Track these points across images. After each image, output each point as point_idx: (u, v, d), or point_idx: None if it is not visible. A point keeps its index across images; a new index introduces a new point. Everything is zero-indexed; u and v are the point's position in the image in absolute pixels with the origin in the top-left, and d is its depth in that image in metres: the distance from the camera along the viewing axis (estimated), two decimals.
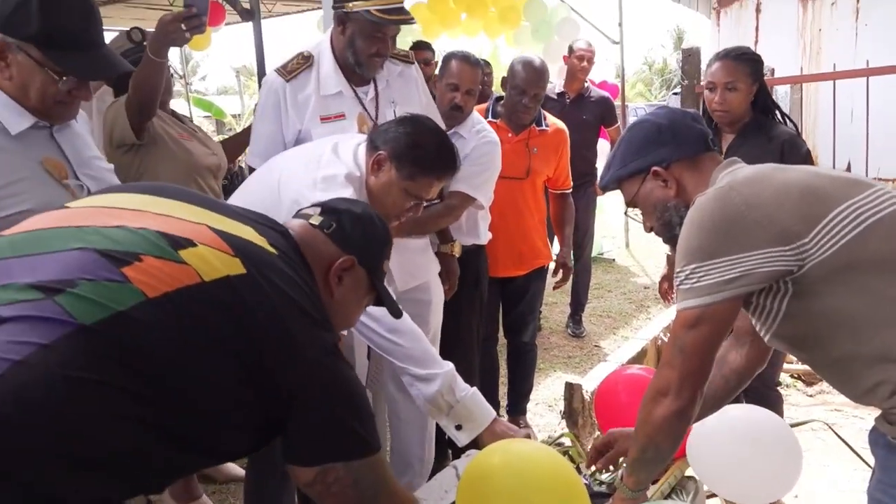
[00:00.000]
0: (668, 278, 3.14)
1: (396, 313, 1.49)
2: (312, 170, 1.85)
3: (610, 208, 7.33)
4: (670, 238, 1.52)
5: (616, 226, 7.61)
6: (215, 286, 1.03)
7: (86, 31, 1.51)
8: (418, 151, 1.83)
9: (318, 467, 1.13)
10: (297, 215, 1.38)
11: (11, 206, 1.48)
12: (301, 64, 2.20)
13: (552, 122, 3.13)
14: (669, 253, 3.14)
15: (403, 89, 2.32)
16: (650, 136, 1.52)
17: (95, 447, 0.91)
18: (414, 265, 2.39)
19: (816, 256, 1.24)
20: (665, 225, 1.53)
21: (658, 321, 4.33)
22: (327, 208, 1.36)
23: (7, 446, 0.85)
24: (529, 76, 2.89)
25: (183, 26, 2.05)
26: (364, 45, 2.14)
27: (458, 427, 1.72)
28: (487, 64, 4.55)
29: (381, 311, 1.68)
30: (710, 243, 1.28)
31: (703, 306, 1.29)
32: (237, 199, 1.99)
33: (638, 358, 3.75)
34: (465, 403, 1.73)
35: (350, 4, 2.10)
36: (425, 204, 2.02)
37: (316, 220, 1.32)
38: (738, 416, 1.90)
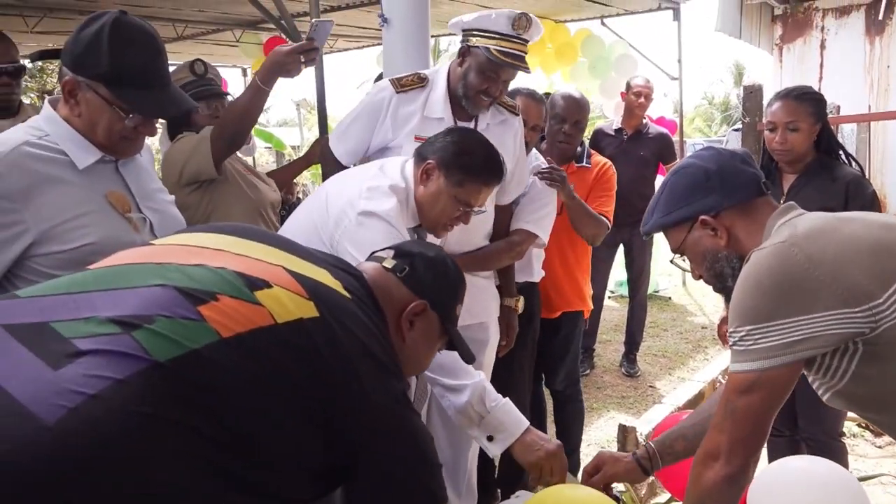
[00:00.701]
0: (727, 320, 3.02)
1: (469, 358, 1.47)
2: (358, 184, 1.88)
3: (666, 246, 7.20)
4: (722, 289, 1.45)
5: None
6: (288, 328, 1.03)
7: (153, 71, 1.56)
8: (466, 158, 1.86)
9: None
10: (371, 258, 1.39)
11: (77, 238, 1.52)
12: (415, 83, 2.25)
13: (598, 160, 3.07)
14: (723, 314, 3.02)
15: (501, 136, 2.32)
16: (697, 183, 1.42)
17: (161, 485, 0.91)
18: (475, 303, 2.36)
19: (893, 318, 1.15)
20: (717, 276, 1.45)
21: (717, 363, 4.22)
22: (401, 252, 1.36)
23: (77, 478, 0.86)
24: (569, 104, 2.90)
25: (301, 58, 2.10)
26: (476, 81, 2.19)
27: (490, 438, 1.70)
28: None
29: None
30: (769, 304, 1.20)
31: (758, 371, 1.21)
32: (290, 223, 2.03)
33: (695, 400, 3.64)
34: (496, 414, 1.70)
35: (474, 39, 2.17)
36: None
37: (389, 264, 1.32)
38: (801, 467, 1.81)
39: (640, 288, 4.81)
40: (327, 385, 1.04)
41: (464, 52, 2.21)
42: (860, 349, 1.19)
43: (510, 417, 1.71)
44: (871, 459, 3.40)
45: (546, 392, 3.17)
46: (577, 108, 2.89)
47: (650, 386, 4.50)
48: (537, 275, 2.78)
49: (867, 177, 2.67)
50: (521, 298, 2.59)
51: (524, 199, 2.57)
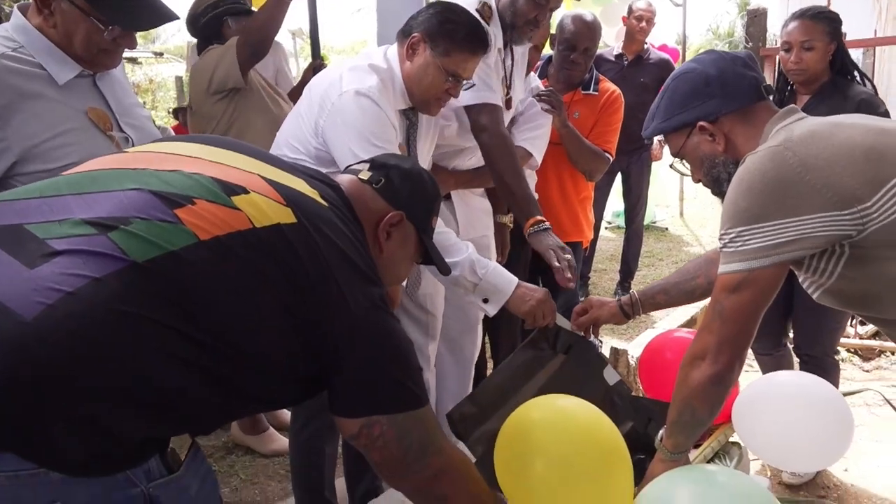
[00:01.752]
0: None
1: (445, 271, 1.49)
2: (339, 69, 1.89)
3: (665, 177, 7.17)
4: (719, 193, 1.46)
5: (671, 195, 7.43)
6: (266, 233, 1.03)
7: None
8: (450, 26, 1.84)
9: (363, 419, 1.13)
10: (347, 170, 1.39)
11: (61, 157, 1.50)
12: (489, 12, 2.18)
13: (606, 87, 2.96)
14: None
15: (522, 64, 2.35)
16: (697, 89, 1.43)
17: (141, 383, 0.93)
18: (474, 219, 2.42)
19: (879, 221, 1.17)
20: (713, 181, 1.47)
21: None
22: (376, 164, 1.36)
23: (54, 374, 0.87)
24: (579, 29, 2.76)
25: None
26: (525, 8, 2.14)
27: (485, 300, 1.80)
28: None
29: None
30: (760, 206, 1.22)
31: (745, 271, 1.23)
32: (282, 126, 2.01)
33: (688, 325, 3.69)
34: (488, 279, 1.79)
35: None
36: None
37: (365, 176, 1.32)
38: (787, 381, 1.86)
39: (636, 216, 4.81)
40: (305, 289, 1.05)
41: None
42: (846, 252, 1.21)
43: (501, 279, 1.81)
44: (858, 382, 3.47)
45: None
46: (588, 34, 2.76)
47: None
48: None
49: None
50: (512, 214, 2.58)
51: (521, 118, 2.54)
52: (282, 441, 2.82)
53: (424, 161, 2.06)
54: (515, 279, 1.84)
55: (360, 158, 1.53)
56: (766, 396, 1.77)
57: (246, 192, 1.06)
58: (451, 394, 2.43)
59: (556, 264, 1.94)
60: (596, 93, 2.91)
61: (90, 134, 1.57)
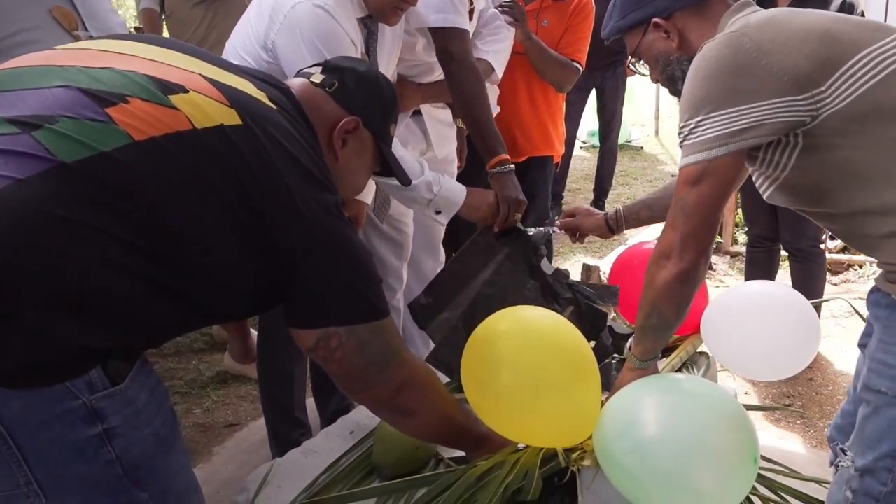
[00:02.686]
0: None
1: (405, 181, 1.43)
2: None
3: (640, 96, 7.07)
4: (674, 92, 1.44)
5: (647, 114, 7.35)
6: (208, 134, 0.96)
7: None
8: None
9: (319, 331, 1.08)
10: (298, 74, 1.30)
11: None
12: None
13: None
14: None
15: None
16: None
17: (73, 289, 0.87)
18: (446, 133, 2.34)
19: (833, 105, 1.15)
20: (668, 79, 1.45)
21: None
22: (329, 67, 1.27)
23: None
24: None
25: None
26: None
27: (438, 212, 1.82)
28: None
29: None
30: (717, 93, 1.19)
31: (705, 161, 1.20)
32: (235, 33, 1.87)
33: None
34: (442, 194, 1.80)
35: None
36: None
37: (317, 79, 1.24)
38: (756, 291, 1.84)
39: (610, 133, 4.73)
40: (252, 194, 0.99)
41: None
42: (800, 142, 1.20)
43: (452, 192, 1.82)
44: (826, 295, 3.51)
45: None
46: None
47: None
48: (493, 109, 2.66)
49: None
50: None
51: (484, 31, 2.43)
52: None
53: (387, 74, 1.95)
54: (464, 189, 1.83)
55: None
56: (735, 307, 1.75)
57: (185, 91, 0.98)
58: None
59: (498, 220, 1.87)
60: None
61: (55, 33, 1.50)
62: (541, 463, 1.35)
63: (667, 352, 1.86)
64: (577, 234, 2.04)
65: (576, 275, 3.63)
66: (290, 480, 1.63)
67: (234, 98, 1.02)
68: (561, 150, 2.98)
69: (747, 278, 3.00)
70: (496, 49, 2.40)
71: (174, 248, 0.94)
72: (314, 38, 1.62)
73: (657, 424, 1.22)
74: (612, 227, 1.94)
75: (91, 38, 1.54)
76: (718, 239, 4.22)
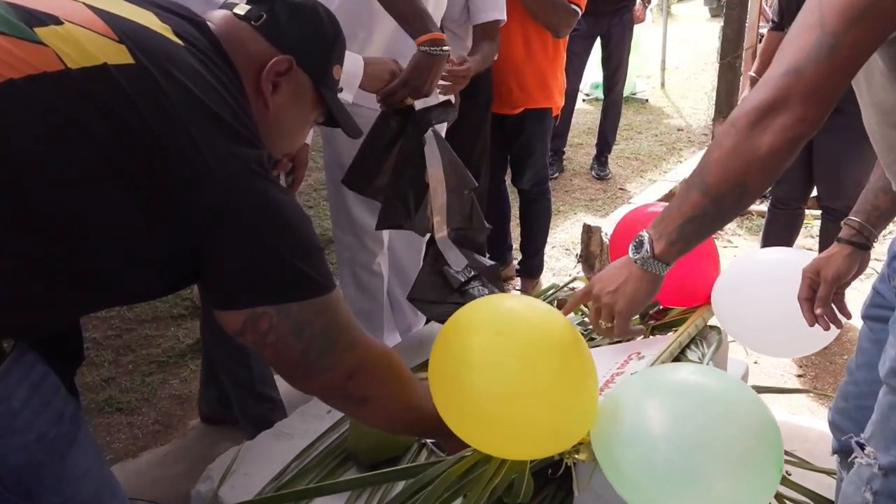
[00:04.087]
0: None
1: (355, 133, 1.23)
2: None
3: (647, 45, 6.78)
4: None
5: (653, 65, 7.06)
6: (85, 76, 0.78)
7: None
8: None
9: (245, 311, 0.90)
10: (223, 6, 1.07)
11: None
12: None
13: None
14: (753, 74, 2.82)
15: None
16: None
17: None
18: None
19: None
20: None
21: (690, 163, 4.05)
22: None
23: None
24: None
25: None
26: None
27: (340, 89, 1.60)
28: None
29: None
30: None
31: None
32: None
33: (665, 199, 3.50)
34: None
35: None
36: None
37: (241, 10, 1.03)
38: (773, 258, 1.68)
39: (615, 85, 4.49)
40: (149, 149, 0.80)
41: None
42: None
43: (349, 61, 1.54)
44: None
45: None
46: None
47: (620, 188, 4.35)
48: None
49: None
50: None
51: None
52: None
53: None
54: (359, 56, 1.62)
55: None
56: (751, 276, 1.60)
57: (58, 22, 0.79)
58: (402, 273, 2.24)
59: (385, 89, 1.64)
60: None
61: None
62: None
63: (674, 325, 1.71)
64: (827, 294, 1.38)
65: (578, 235, 3.48)
66: (259, 467, 1.49)
67: (125, 31, 0.83)
68: (560, 101, 2.76)
69: (765, 241, 2.83)
70: None
71: (47, 217, 0.77)
72: None
73: (663, 423, 1.05)
74: (864, 245, 1.38)
75: None
76: None
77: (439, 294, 1.81)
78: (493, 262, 1.86)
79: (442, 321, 1.69)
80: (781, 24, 2.66)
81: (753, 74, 2.86)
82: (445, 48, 1.64)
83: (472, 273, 1.83)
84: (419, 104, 1.73)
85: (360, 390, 1.03)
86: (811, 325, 1.33)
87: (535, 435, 1.06)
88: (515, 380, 1.02)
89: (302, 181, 1.89)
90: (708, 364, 1.49)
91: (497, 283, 1.90)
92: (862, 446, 1.07)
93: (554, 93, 2.68)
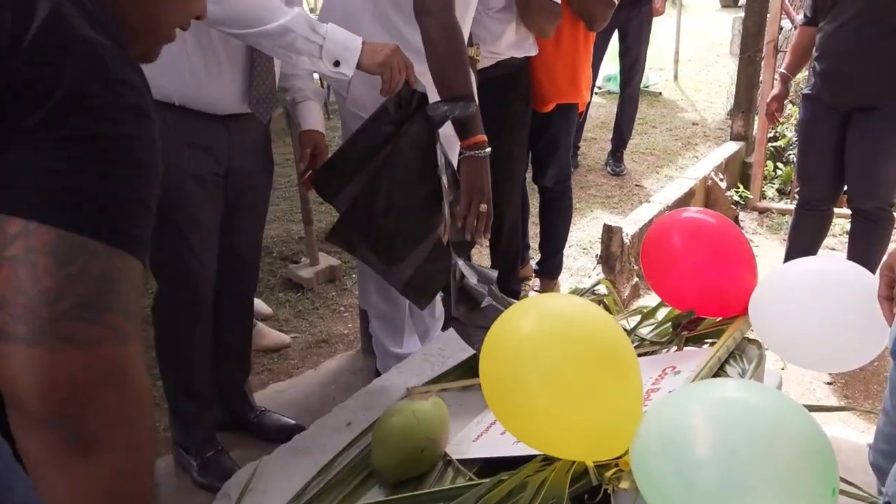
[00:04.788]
0: (779, 98, 2.82)
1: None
2: None
3: (660, 38, 6.67)
4: None
5: (666, 56, 6.95)
6: None
7: None
8: None
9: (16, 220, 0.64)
10: None
11: None
12: None
13: None
14: (783, 70, 2.75)
15: None
16: None
17: None
18: None
19: None
20: None
21: (707, 160, 3.96)
22: None
23: None
24: None
25: None
26: None
27: (337, 63, 1.56)
28: None
29: None
30: None
31: None
32: None
33: (684, 199, 3.42)
34: (332, 37, 1.54)
35: None
36: None
37: None
38: (814, 267, 1.60)
39: (632, 79, 4.40)
40: None
41: None
42: None
43: (344, 34, 1.56)
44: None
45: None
46: None
47: (637, 185, 4.27)
48: (534, 48, 2.39)
49: None
50: (478, 45, 2.20)
51: None
52: (275, 335, 2.59)
53: None
54: (358, 37, 1.57)
55: None
56: (791, 286, 1.52)
57: None
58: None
59: (460, 210, 1.65)
60: None
61: None
62: (570, 482, 1.14)
63: (708, 337, 1.64)
64: None
65: (595, 234, 3.41)
66: (278, 484, 1.43)
67: None
68: (587, 97, 2.70)
69: (792, 243, 2.76)
70: None
71: None
72: None
73: (708, 445, 0.99)
74: None
75: None
76: (746, 193, 3.95)
77: (472, 315, 1.66)
78: (495, 271, 1.77)
79: (472, 344, 1.63)
80: (815, 19, 2.57)
81: (784, 71, 2.78)
82: (488, 150, 1.66)
83: (486, 287, 1.71)
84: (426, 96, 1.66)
85: (96, 420, 0.65)
86: (891, 323, 1.27)
87: (584, 431, 1.10)
88: (565, 377, 1.08)
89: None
90: (750, 380, 1.42)
91: (500, 294, 1.75)
92: None
93: (582, 88, 2.61)
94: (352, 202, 1.69)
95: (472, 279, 1.68)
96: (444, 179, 1.66)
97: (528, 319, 1.15)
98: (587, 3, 2.42)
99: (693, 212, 1.76)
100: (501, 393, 1.16)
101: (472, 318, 1.63)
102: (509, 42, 2.30)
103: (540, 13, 2.31)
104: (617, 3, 2.50)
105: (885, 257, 1.33)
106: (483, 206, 1.64)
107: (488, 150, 1.66)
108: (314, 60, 1.53)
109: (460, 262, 1.68)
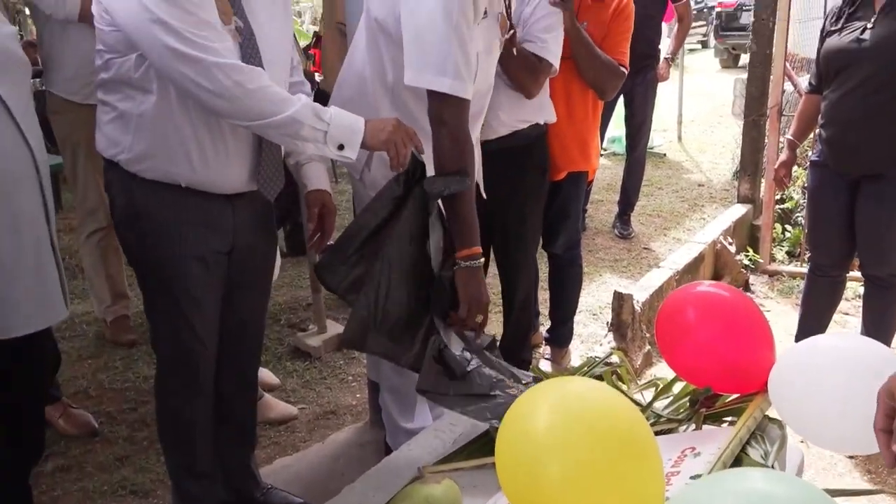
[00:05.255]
0: (786, 165, 2.84)
1: None
2: None
3: (663, 99, 6.78)
4: None
5: (669, 118, 7.05)
6: None
7: None
8: None
9: None
10: None
11: None
12: None
13: None
14: (790, 137, 2.77)
15: None
16: None
17: None
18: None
19: None
20: None
21: (717, 223, 3.96)
22: None
23: None
24: None
25: None
26: None
27: (341, 147, 1.55)
28: None
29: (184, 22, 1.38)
30: None
31: None
32: None
33: (694, 265, 3.41)
34: (336, 122, 1.54)
35: None
36: None
37: None
38: (837, 343, 1.57)
39: (639, 143, 4.45)
40: None
41: None
42: None
43: (348, 118, 1.56)
44: None
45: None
46: None
47: (645, 248, 4.26)
48: (553, 114, 2.41)
49: None
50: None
51: (531, 22, 2.20)
52: (282, 407, 2.55)
53: (274, 41, 1.64)
54: (360, 118, 1.58)
55: (156, 14, 1.35)
56: (811, 364, 1.49)
57: None
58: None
59: (461, 320, 1.68)
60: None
61: None
62: None
63: (727, 414, 1.60)
64: None
65: (604, 298, 3.38)
66: None
67: None
68: (596, 164, 2.71)
69: (805, 308, 2.73)
70: (545, 39, 2.18)
71: None
72: None
73: None
74: None
75: None
76: (756, 257, 3.94)
77: (446, 384, 1.63)
78: (489, 336, 1.75)
79: (453, 409, 1.60)
80: (819, 87, 2.60)
81: (791, 138, 2.79)
82: (481, 261, 1.71)
83: (472, 356, 1.68)
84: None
85: None
86: (890, 466, 1.20)
87: None
88: (585, 465, 1.04)
89: (333, 231, 1.84)
90: (773, 465, 1.37)
91: (495, 352, 1.75)
92: None
93: (592, 156, 2.63)
94: (355, 286, 1.66)
95: (457, 349, 1.66)
96: (432, 251, 1.68)
97: (546, 405, 1.12)
98: (599, 74, 2.45)
99: (706, 286, 1.74)
100: (519, 480, 1.12)
101: (453, 388, 1.59)
102: (525, 110, 2.32)
103: (606, 73, 2.43)
104: (627, 70, 2.53)
105: (885, 381, 1.28)
106: (479, 317, 1.67)
107: (482, 260, 1.70)
108: (319, 146, 1.54)
109: (442, 332, 1.67)
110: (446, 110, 1.67)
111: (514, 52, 2.08)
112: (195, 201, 1.62)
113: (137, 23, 1.41)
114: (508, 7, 1.93)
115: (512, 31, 2.01)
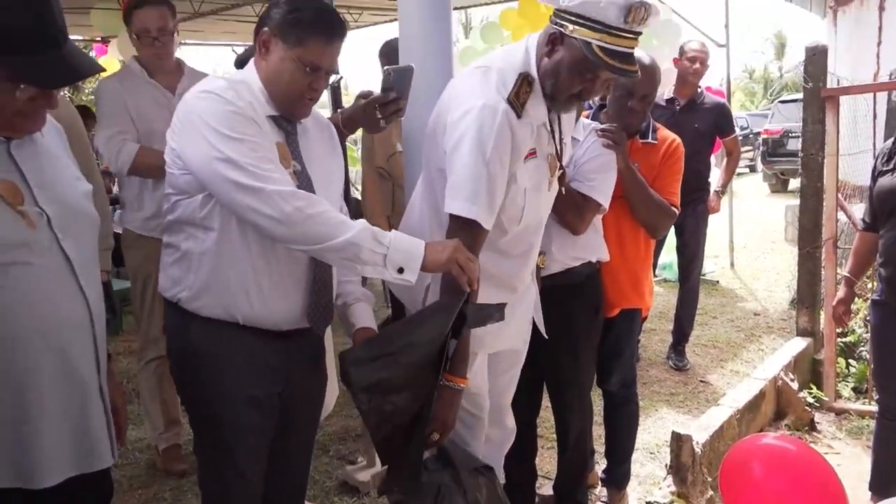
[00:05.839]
0: (845, 302, 2.79)
1: None
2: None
3: (714, 227, 6.79)
4: None
5: (720, 244, 7.02)
6: None
7: (40, 28, 1.27)
8: (297, 14, 1.64)
9: None
10: None
11: None
12: (528, 92, 1.79)
13: (665, 135, 2.63)
14: (847, 274, 2.73)
15: (570, 120, 2.08)
16: None
17: None
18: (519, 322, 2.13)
19: None
20: None
21: (776, 358, 3.83)
22: None
23: None
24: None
25: (378, 114, 1.96)
26: (569, 82, 1.77)
27: (401, 270, 1.58)
28: None
29: (251, 158, 1.52)
30: None
31: None
32: None
33: (755, 403, 3.29)
34: (396, 245, 1.57)
35: (571, 27, 1.70)
36: None
37: None
38: None
39: (691, 274, 4.43)
40: None
41: (555, 40, 1.75)
42: None
43: (408, 241, 1.60)
44: None
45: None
46: (647, 80, 2.38)
47: (701, 381, 4.14)
48: (606, 253, 2.44)
49: None
50: (544, 254, 2.27)
51: (583, 162, 2.30)
52: None
53: (327, 183, 1.77)
54: (421, 241, 1.62)
55: (223, 153, 1.49)
56: None
57: None
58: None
59: (433, 438, 1.79)
60: (655, 141, 2.58)
61: None
62: None
63: None
64: None
65: (661, 436, 3.26)
66: None
67: None
68: (650, 302, 2.69)
69: (877, 457, 2.58)
70: (595, 179, 2.27)
71: None
72: (208, 117, 1.55)
73: None
74: None
75: (40, 212, 1.38)
76: (820, 394, 3.78)
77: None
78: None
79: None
80: (874, 225, 2.58)
81: (848, 275, 2.75)
82: (462, 387, 1.81)
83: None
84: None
85: None
86: None
87: None
88: None
89: None
90: None
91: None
92: None
93: (645, 293, 2.62)
94: (371, 388, 1.67)
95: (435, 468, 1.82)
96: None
97: None
98: (651, 214, 2.49)
99: (770, 438, 1.68)
100: None
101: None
102: (578, 248, 2.35)
103: (658, 213, 2.48)
104: (679, 210, 2.56)
105: None
106: (436, 436, 1.78)
107: (462, 387, 1.81)
108: (378, 269, 1.58)
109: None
110: (461, 232, 1.73)
111: (563, 191, 2.15)
112: (251, 339, 1.67)
113: (206, 161, 1.53)
114: (560, 150, 2.01)
115: (561, 171, 2.08)
